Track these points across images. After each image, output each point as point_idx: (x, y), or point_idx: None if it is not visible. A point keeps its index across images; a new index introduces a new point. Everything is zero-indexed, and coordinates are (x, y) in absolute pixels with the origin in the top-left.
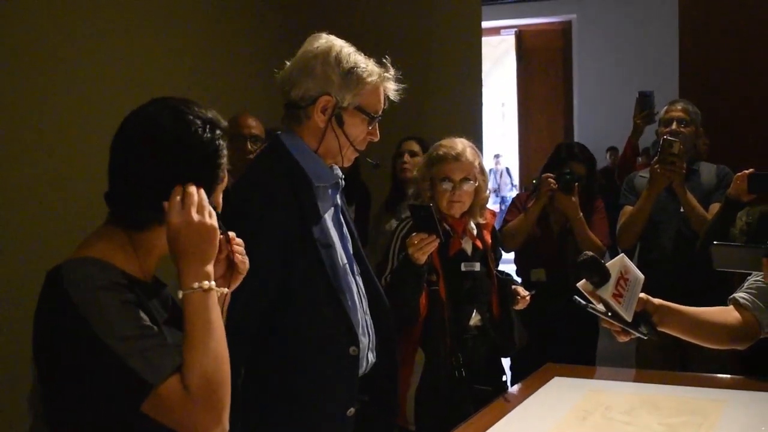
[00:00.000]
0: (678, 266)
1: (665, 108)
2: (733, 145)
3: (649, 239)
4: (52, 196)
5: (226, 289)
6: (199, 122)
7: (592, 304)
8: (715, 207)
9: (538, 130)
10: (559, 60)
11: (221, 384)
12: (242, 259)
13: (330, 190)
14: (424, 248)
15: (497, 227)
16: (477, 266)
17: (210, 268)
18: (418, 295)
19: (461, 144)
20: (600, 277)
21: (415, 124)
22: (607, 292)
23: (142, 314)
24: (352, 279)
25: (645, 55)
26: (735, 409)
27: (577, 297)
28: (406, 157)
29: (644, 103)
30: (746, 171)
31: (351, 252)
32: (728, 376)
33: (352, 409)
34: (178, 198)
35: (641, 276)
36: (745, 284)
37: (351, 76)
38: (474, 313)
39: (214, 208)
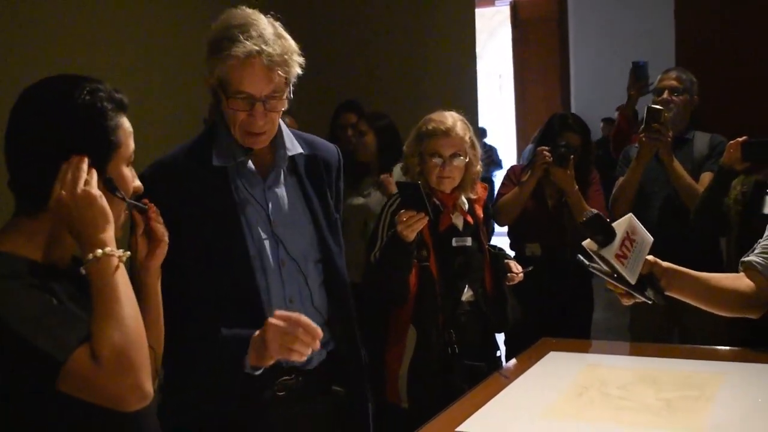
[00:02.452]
0: (666, 236)
1: (659, 77)
2: (729, 113)
3: (639, 209)
4: None
5: (128, 252)
6: (79, 88)
7: (597, 264)
8: (706, 176)
9: (534, 101)
10: (554, 30)
11: (133, 349)
12: (159, 227)
13: (249, 169)
14: (412, 225)
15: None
16: (468, 241)
17: (106, 235)
18: (407, 273)
19: (451, 118)
20: (604, 236)
21: (408, 98)
22: (610, 252)
23: (48, 296)
24: (267, 266)
25: (641, 24)
26: (734, 382)
27: (580, 256)
28: (349, 131)
29: (638, 74)
30: (739, 139)
31: (286, 237)
32: (728, 348)
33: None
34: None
35: (650, 238)
36: (757, 248)
37: (211, 48)
38: (466, 289)
39: (109, 180)
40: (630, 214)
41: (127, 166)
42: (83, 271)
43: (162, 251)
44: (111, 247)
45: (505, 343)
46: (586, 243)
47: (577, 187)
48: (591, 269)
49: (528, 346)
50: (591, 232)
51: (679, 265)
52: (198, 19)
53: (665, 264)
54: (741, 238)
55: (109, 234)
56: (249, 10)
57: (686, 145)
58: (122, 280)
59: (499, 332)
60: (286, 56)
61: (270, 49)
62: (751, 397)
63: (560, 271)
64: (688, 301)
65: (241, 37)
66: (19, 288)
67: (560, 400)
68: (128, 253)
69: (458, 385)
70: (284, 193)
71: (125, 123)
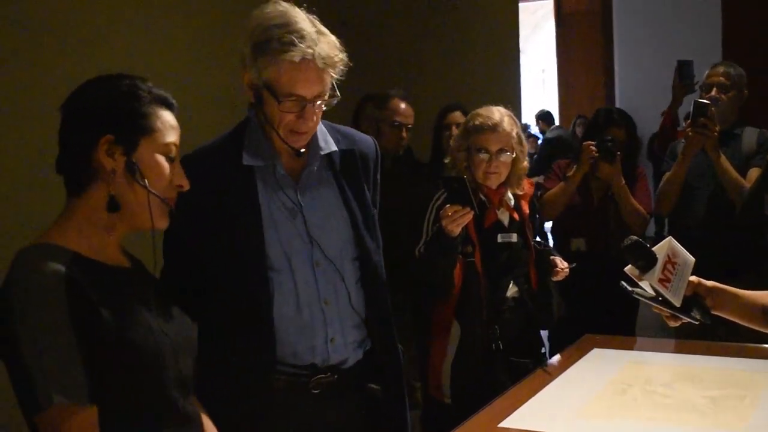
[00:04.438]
0: (712, 232)
1: (707, 72)
2: None
3: (685, 204)
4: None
5: None
6: (122, 80)
7: (640, 288)
8: (753, 172)
9: (578, 96)
10: (598, 24)
11: None
12: None
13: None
14: (457, 220)
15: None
16: (514, 237)
17: None
18: (452, 267)
19: (498, 113)
20: (646, 261)
21: (451, 93)
22: (653, 277)
23: (64, 325)
24: (297, 268)
25: (687, 16)
26: None
27: (623, 282)
28: (454, 129)
29: (683, 72)
30: None
31: (322, 237)
32: None
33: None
34: None
35: (691, 259)
36: None
37: (257, 49)
38: (511, 285)
39: (132, 164)
40: (669, 237)
41: (167, 158)
42: None
43: None
44: None
45: (549, 339)
46: (628, 269)
47: (624, 182)
48: (635, 295)
49: (572, 343)
50: (632, 258)
51: (726, 260)
52: (227, 14)
53: (710, 283)
54: None
55: None
56: (284, 5)
57: (734, 140)
58: None
59: (544, 329)
60: (335, 57)
61: (321, 51)
62: None
63: (605, 267)
64: (734, 319)
65: (293, 39)
66: (42, 304)
67: (603, 398)
68: None
69: (501, 381)
70: (320, 193)
71: (166, 115)
